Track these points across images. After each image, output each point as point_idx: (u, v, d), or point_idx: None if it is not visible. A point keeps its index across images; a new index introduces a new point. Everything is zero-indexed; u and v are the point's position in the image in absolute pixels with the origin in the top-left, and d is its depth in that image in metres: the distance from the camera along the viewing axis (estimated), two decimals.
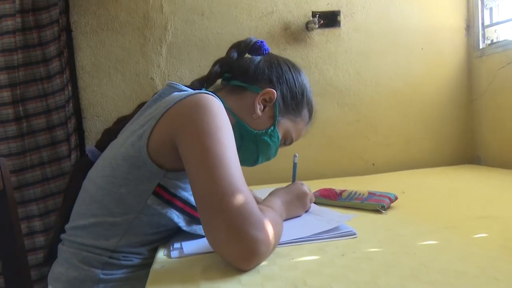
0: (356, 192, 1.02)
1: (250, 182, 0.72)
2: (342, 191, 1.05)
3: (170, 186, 0.74)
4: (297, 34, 1.48)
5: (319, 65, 1.50)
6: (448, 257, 0.60)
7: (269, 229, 0.61)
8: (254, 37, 0.93)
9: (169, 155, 0.70)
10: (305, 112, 0.92)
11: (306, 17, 1.47)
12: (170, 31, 1.40)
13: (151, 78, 1.40)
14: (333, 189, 1.07)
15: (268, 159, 0.94)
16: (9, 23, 1.40)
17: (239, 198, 0.61)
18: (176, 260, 0.68)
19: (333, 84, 1.52)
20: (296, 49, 1.48)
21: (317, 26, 1.44)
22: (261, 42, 0.94)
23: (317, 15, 1.45)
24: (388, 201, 0.94)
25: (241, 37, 1.37)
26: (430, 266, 0.57)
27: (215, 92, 0.88)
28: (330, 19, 1.49)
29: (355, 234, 0.75)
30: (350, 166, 1.55)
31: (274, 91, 0.86)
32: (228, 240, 0.58)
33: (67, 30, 1.41)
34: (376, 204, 0.93)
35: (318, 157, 1.53)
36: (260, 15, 1.46)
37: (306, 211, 0.92)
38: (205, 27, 1.42)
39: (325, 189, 1.09)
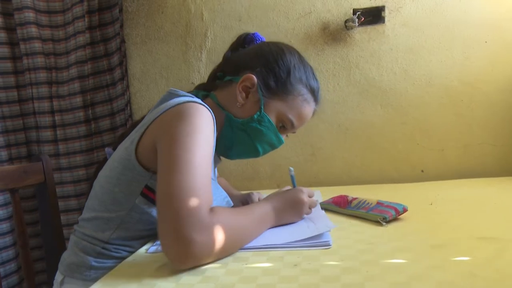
0: (365, 201, 0.96)
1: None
2: (353, 199, 1.00)
3: (156, 187, 0.80)
4: (336, 33, 1.42)
5: (360, 64, 1.43)
6: (401, 279, 0.55)
7: (216, 233, 0.63)
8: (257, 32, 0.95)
9: (154, 159, 0.75)
10: (298, 88, 0.89)
11: (347, 15, 1.41)
12: (209, 38, 1.47)
13: (192, 83, 1.49)
14: (347, 197, 1.02)
15: (272, 146, 0.93)
16: (81, 39, 1.62)
17: (189, 202, 0.64)
18: (150, 255, 0.74)
19: (376, 84, 1.42)
20: (335, 49, 1.43)
21: (356, 24, 1.37)
22: (254, 34, 0.96)
23: (358, 13, 1.38)
24: (393, 213, 0.87)
25: (277, 40, 1.39)
26: (371, 286, 0.53)
27: (212, 93, 0.92)
28: (373, 16, 1.40)
29: (329, 245, 0.72)
30: (394, 172, 1.44)
31: (252, 75, 0.86)
32: (168, 239, 0.62)
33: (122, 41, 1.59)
34: (378, 215, 0.86)
35: (358, 161, 1.45)
36: (297, 16, 1.44)
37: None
38: (242, 32, 1.46)
39: (340, 196, 1.04)
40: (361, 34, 1.42)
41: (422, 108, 1.41)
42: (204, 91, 0.95)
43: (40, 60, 1.64)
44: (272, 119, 0.89)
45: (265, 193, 1.32)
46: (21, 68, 1.66)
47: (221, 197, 0.93)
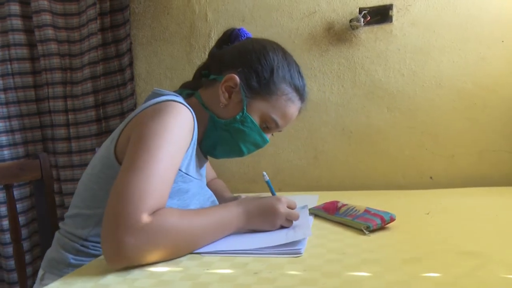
0: (354, 208, 0.92)
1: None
2: (342, 206, 0.96)
3: None
4: (342, 33, 1.38)
5: (366, 66, 1.37)
6: None
7: (152, 236, 0.63)
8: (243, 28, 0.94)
9: None
10: (282, 88, 0.86)
11: (352, 14, 1.36)
12: (213, 38, 1.47)
13: None
14: (337, 203, 0.98)
15: (256, 145, 0.92)
16: (93, 41, 1.66)
17: (130, 204, 0.63)
18: None
19: (383, 86, 1.36)
20: (340, 50, 1.38)
21: (362, 23, 1.32)
22: (239, 29, 0.95)
23: (364, 12, 1.33)
24: (378, 221, 0.82)
25: (281, 41, 1.37)
26: None
27: (197, 92, 0.91)
28: (381, 15, 1.34)
29: (299, 254, 0.69)
30: (401, 178, 1.37)
31: (234, 75, 0.85)
32: (104, 238, 0.62)
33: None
34: (362, 224, 0.82)
35: (362, 166, 1.40)
36: (301, 16, 1.41)
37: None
38: None
39: (331, 202, 1.00)
40: (367, 34, 1.36)
41: (431, 112, 1.34)
42: (190, 90, 0.94)
43: (56, 61, 1.70)
44: (256, 119, 0.87)
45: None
46: (38, 69, 1.72)
47: (205, 197, 0.92)
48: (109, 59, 1.69)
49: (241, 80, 0.85)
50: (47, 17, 1.66)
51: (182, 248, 0.69)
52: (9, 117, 1.73)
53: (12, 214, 1.01)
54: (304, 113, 1.40)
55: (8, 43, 1.70)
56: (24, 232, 1.64)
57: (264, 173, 0.93)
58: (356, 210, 0.91)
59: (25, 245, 1.67)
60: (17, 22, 1.68)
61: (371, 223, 0.81)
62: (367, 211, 0.88)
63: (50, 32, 1.67)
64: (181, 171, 0.82)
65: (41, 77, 1.73)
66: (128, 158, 0.69)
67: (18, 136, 1.73)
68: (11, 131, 1.72)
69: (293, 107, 0.90)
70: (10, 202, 1.01)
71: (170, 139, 0.73)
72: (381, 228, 0.82)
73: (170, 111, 0.77)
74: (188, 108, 0.81)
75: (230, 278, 0.60)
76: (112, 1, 1.67)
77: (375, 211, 0.86)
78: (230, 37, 0.96)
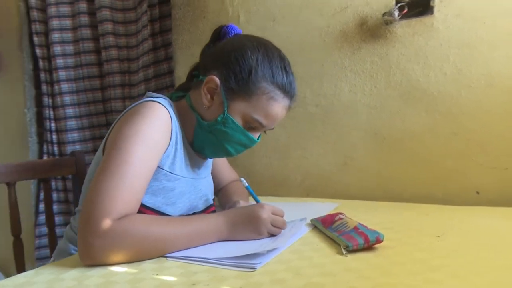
0: (346, 223, 0.84)
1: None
2: (338, 219, 0.88)
3: None
4: (375, 29, 1.26)
5: (402, 64, 1.23)
6: None
7: (115, 240, 0.67)
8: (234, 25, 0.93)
9: None
10: (263, 87, 0.83)
11: (388, 8, 1.23)
12: None
13: None
14: (336, 215, 0.91)
15: (243, 145, 0.90)
16: (146, 45, 1.79)
17: (97, 208, 0.68)
18: None
19: (420, 87, 1.21)
20: (373, 47, 1.26)
21: (396, 17, 1.19)
22: (227, 26, 0.93)
23: (401, 4, 1.19)
24: (360, 241, 0.74)
25: (310, 39, 1.33)
26: None
27: (188, 94, 0.92)
28: (420, 6, 1.19)
29: (253, 268, 0.66)
30: (440, 192, 1.21)
31: (214, 76, 0.84)
32: (77, 237, 0.69)
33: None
34: (344, 242, 0.75)
35: (396, 175, 1.26)
36: (332, 12, 1.32)
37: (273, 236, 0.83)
38: (275, 33, 1.41)
39: (332, 214, 0.93)
40: (404, 28, 1.22)
41: (479, 116, 1.15)
42: (182, 91, 0.96)
43: (115, 66, 1.86)
44: (238, 120, 0.85)
45: (291, 201, 1.26)
46: (103, 73, 1.91)
47: (197, 196, 0.94)
48: (159, 62, 1.80)
49: (221, 81, 0.84)
50: (108, 26, 1.83)
51: (148, 252, 0.72)
52: (80, 116, 1.95)
53: (47, 203, 1.14)
54: (333, 116, 1.32)
55: (79, 50, 1.92)
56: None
57: (242, 178, 0.90)
58: (346, 225, 0.83)
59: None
60: (86, 32, 1.89)
61: (352, 243, 0.74)
62: (356, 228, 0.80)
63: (111, 39, 1.84)
64: (164, 169, 0.84)
65: (105, 80, 1.91)
66: (102, 162, 0.74)
67: (87, 133, 1.95)
68: (81, 128, 1.95)
69: (276, 105, 0.85)
70: (46, 193, 1.14)
71: (142, 141, 0.76)
72: (366, 248, 0.74)
73: (143, 113, 0.80)
74: (165, 107, 0.83)
75: (165, 286, 0.60)
76: (161, 7, 1.77)
77: (363, 229, 0.78)
78: (219, 35, 0.95)
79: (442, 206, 1.12)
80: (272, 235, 0.83)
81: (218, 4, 1.51)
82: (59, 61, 1.91)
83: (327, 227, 0.88)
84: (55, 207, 1.89)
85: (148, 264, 0.69)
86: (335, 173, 1.35)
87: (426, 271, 0.62)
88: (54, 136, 1.93)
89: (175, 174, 0.87)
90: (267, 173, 1.46)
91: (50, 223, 1.17)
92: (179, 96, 0.95)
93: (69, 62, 1.93)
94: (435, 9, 1.18)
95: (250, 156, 1.48)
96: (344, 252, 0.73)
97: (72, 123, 1.94)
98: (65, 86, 1.92)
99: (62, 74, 1.92)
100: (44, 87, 1.96)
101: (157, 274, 0.65)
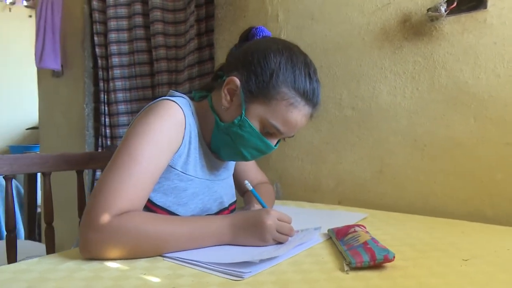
0: (358, 236, 0.78)
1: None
2: (352, 232, 0.82)
3: None
4: (420, 26, 1.15)
5: (448, 64, 1.11)
6: None
7: (112, 236, 0.69)
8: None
9: None
10: (283, 92, 0.80)
11: (434, 2, 1.12)
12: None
13: None
14: (352, 227, 0.84)
15: (259, 151, 0.88)
16: (192, 45, 1.83)
17: (98, 202, 0.71)
18: None
19: (469, 90, 1.08)
20: (416, 46, 1.15)
21: (443, 12, 1.07)
22: (256, 28, 0.91)
23: None
24: (366, 259, 0.68)
25: (348, 38, 1.27)
26: None
27: (210, 95, 0.92)
28: (471, 0, 1.06)
29: (240, 278, 0.64)
30: (489, 209, 1.07)
31: (235, 77, 0.83)
32: (79, 228, 0.72)
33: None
34: (349, 258, 0.69)
35: (437, 187, 1.14)
36: (373, 9, 1.23)
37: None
38: (313, 31, 1.35)
39: (349, 226, 0.87)
40: (451, 25, 1.10)
41: None
42: (205, 91, 0.95)
43: (163, 65, 1.93)
44: (255, 124, 0.83)
45: (319, 208, 1.21)
46: (154, 71, 2.00)
47: (211, 198, 0.94)
48: (203, 62, 1.84)
49: (241, 83, 0.83)
50: (159, 27, 1.90)
51: (143, 250, 0.73)
52: (131, 113, 2.06)
53: (80, 193, 1.21)
54: (370, 119, 1.24)
55: (133, 50, 2.02)
56: None
57: (246, 181, 0.87)
58: (357, 239, 0.77)
59: None
60: (140, 32, 1.99)
61: (356, 260, 0.68)
62: (365, 243, 0.73)
63: (160, 39, 1.91)
64: (176, 169, 0.85)
65: (154, 79, 1.99)
66: (112, 158, 0.76)
67: None
68: None
69: (296, 112, 0.82)
70: (79, 183, 1.21)
71: (151, 139, 0.77)
72: (372, 266, 0.68)
73: (156, 111, 0.81)
74: (180, 107, 0.83)
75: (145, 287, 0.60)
76: (208, 8, 1.80)
77: (372, 245, 0.71)
78: (247, 36, 0.93)
79: (490, 226, 0.99)
80: (279, 242, 0.80)
81: (258, 3, 1.50)
82: (115, 60, 2.03)
83: (339, 239, 0.82)
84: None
85: (141, 263, 0.70)
86: (369, 180, 1.26)
87: None
88: (108, 131, 2.06)
89: (188, 175, 0.87)
90: (299, 177, 1.41)
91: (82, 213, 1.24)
92: (202, 96, 0.95)
93: (123, 61, 2.04)
94: (489, 3, 1.04)
95: (283, 159, 1.44)
96: (346, 269, 0.67)
97: (124, 119, 2.05)
98: (119, 84, 2.03)
99: (117, 72, 2.04)
100: (101, 84, 2.10)
101: (144, 274, 0.65)
